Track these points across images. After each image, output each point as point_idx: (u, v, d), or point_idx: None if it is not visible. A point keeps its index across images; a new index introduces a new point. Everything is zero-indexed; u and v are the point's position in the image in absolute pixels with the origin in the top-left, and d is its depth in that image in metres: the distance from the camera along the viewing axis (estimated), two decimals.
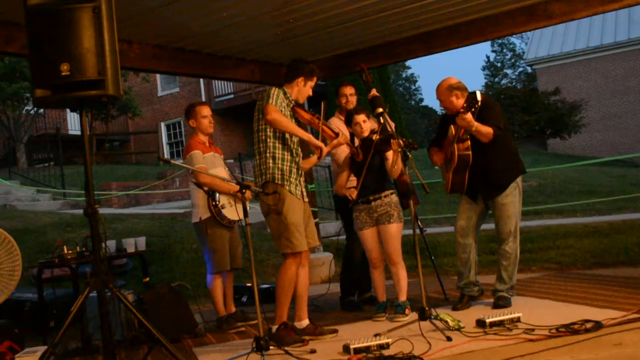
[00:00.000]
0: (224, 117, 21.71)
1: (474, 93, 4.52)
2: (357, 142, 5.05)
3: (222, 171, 5.29)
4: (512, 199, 4.86)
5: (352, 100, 5.62)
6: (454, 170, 4.84)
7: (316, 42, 6.30)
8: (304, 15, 5.49)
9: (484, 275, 6.89)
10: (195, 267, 7.57)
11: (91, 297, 3.92)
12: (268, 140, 4.42)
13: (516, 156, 4.97)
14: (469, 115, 4.52)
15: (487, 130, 4.63)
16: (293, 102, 4.56)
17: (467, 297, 5.05)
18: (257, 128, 4.47)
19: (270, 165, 4.39)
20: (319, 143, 4.50)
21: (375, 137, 4.86)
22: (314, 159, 4.87)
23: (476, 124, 4.56)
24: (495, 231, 4.99)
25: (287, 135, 4.46)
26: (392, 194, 4.91)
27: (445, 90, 4.90)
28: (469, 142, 4.75)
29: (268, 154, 4.41)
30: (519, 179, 4.92)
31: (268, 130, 4.42)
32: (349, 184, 5.37)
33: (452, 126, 4.80)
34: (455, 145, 4.76)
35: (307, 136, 4.45)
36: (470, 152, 4.77)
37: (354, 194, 4.85)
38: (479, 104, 4.47)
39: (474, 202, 5.00)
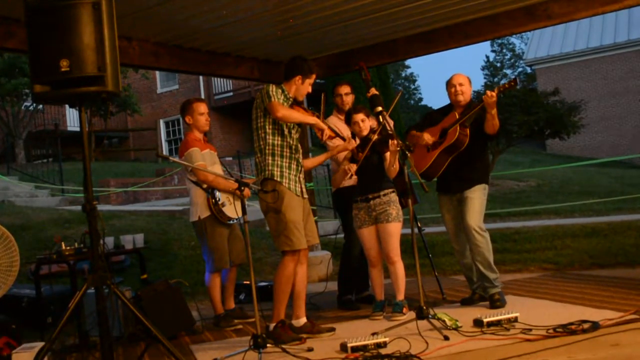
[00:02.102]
0: (223, 115, 21.72)
1: (516, 78, 4.84)
2: (357, 140, 5.06)
3: (218, 168, 5.30)
4: (479, 194, 4.98)
5: (347, 100, 5.63)
6: (444, 149, 4.97)
7: (316, 40, 6.29)
8: (304, 14, 5.48)
9: None
10: (193, 265, 7.57)
11: (89, 293, 3.92)
12: (268, 137, 4.42)
13: (488, 166, 5.23)
14: (495, 98, 4.67)
15: (497, 121, 4.80)
16: (291, 99, 4.56)
17: (479, 295, 5.12)
18: (257, 126, 4.47)
19: (270, 162, 4.39)
20: (323, 125, 4.46)
21: (373, 136, 4.87)
22: (318, 158, 4.93)
23: (495, 109, 4.74)
24: (462, 226, 5.03)
25: (286, 132, 4.46)
26: (391, 192, 4.91)
27: (467, 79, 5.11)
28: (469, 131, 4.90)
29: (268, 151, 4.41)
30: (486, 187, 5.06)
31: (267, 127, 4.42)
32: (349, 182, 5.39)
33: (455, 112, 4.99)
34: (458, 127, 4.89)
35: (315, 120, 4.44)
36: (467, 139, 4.91)
37: (352, 168, 4.79)
38: (514, 87, 4.75)
39: (450, 204, 5.12)
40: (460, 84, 5.05)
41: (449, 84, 5.13)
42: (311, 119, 4.44)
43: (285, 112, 4.32)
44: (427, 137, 5.06)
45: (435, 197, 5.31)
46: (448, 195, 5.13)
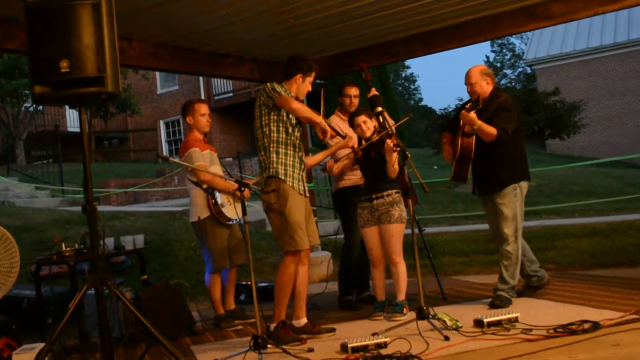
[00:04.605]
0: (223, 116, 21.71)
1: (478, 98, 4.74)
2: (363, 142, 5.07)
3: (218, 169, 5.29)
4: (510, 199, 4.91)
5: (355, 102, 5.62)
6: (457, 159, 4.96)
7: (316, 40, 6.29)
8: (304, 14, 5.48)
9: (482, 275, 6.92)
10: (193, 265, 7.57)
11: (89, 294, 3.91)
12: (272, 135, 4.41)
13: (520, 162, 5.05)
14: (472, 115, 4.67)
15: (490, 130, 4.73)
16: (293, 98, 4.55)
17: (529, 287, 5.21)
18: (260, 124, 4.46)
19: (274, 159, 4.38)
20: (326, 127, 4.46)
21: (374, 137, 4.89)
22: (319, 155, 4.96)
23: (479, 122, 4.70)
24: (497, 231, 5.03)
25: (289, 130, 4.45)
26: (395, 193, 4.90)
27: (478, 73, 5.00)
28: (475, 137, 4.86)
29: (272, 149, 4.40)
30: (522, 184, 4.98)
31: (272, 125, 4.42)
32: (350, 182, 5.41)
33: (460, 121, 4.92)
34: (460, 138, 4.89)
35: (320, 119, 4.41)
36: (472, 146, 4.87)
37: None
38: (479, 106, 4.69)
39: (489, 205, 5.11)
40: (471, 84, 4.96)
41: (465, 81, 5.05)
42: (318, 118, 4.42)
43: (298, 105, 4.36)
44: (447, 154, 5.14)
45: (436, 198, 5.32)
46: (482, 197, 5.15)
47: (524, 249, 5.17)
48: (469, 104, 4.78)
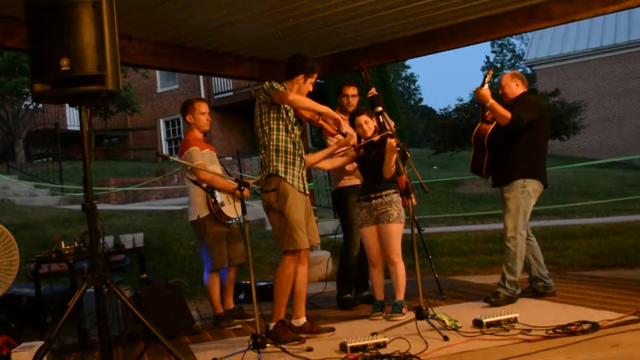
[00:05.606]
0: (223, 115, 21.70)
1: (487, 75, 5.01)
2: (362, 140, 5.08)
3: (217, 168, 5.29)
4: (516, 194, 4.95)
5: (353, 102, 5.62)
6: (474, 146, 5.12)
7: (316, 40, 6.29)
8: (304, 13, 5.48)
9: (481, 275, 6.92)
10: (192, 264, 7.57)
11: (88, 292, 3.90)
12: (272, 133, 4.41)
13: (533, 160, 5.05)
14: (483, 90, 4.87)
15: (504, 113, 4.86)
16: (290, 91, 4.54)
17: (533, 291, 5.22)
18: (261, 122, 4.46)
19: (274, 157, 4.38)
20: (335, 114, 4.47)
21: (375, 136, 4.89)
22: (320, 153, 5.06)
23: (492, 101, 4.86)
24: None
25: (289, 128, 4.45)
26: (394, 193, 4.90)
27: (508, 76, 5.23)
28: (492, 126, 5.00)
29: (272, 147, 4.40)
30: (529, 182, 4.97)
31: (272, 123, 4.41)
32: (350, 181, 5.42)
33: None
34: (478, 125, 5.07)
35: (326, 109, 4.44)
36: (486, 133, 5.01)
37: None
38: (488, 78, 4.95)
39: (502, 201, 5.16)
40: (502, 87, 5.19)
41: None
42: (322, 108, 4.42)
43: (295, 96, 4.36)
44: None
45: (435, 198, 5.32)
46: (500, 190, 5.23)
47: (535, 251, 5.21)
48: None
